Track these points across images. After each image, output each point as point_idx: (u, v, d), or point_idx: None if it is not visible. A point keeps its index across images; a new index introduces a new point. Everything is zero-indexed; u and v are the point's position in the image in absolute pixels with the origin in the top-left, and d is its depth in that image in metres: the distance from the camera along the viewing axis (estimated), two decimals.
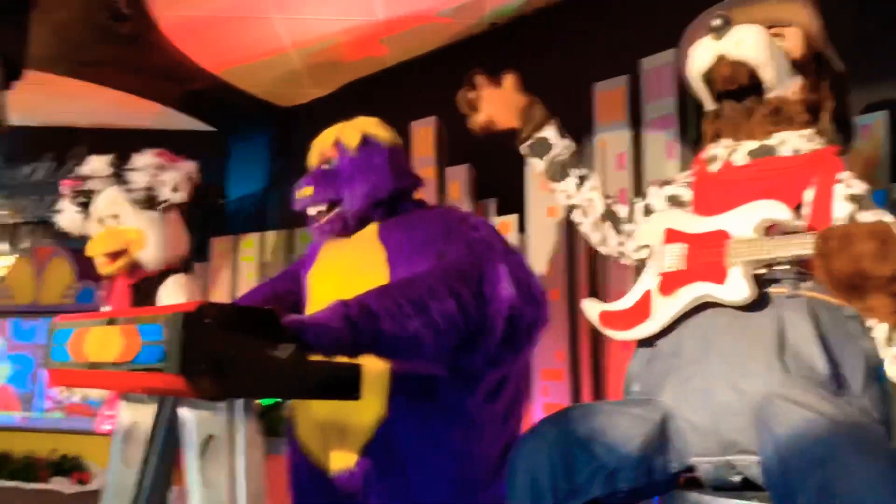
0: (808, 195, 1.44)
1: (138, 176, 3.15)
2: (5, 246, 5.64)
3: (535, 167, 1.88)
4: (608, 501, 1.32)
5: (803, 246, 1.29)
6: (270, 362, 1.30)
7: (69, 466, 4.42)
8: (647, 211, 1.77)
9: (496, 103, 1.89)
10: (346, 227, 1.94)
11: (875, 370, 1.34)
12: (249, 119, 5.08)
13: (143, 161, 3.20)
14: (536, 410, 2.76)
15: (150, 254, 3.10)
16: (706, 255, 1.43)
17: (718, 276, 1.39)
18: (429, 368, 1.70)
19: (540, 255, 2.88)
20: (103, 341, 1.40)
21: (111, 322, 1.40)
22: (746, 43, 1.50)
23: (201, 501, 1.36)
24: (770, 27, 1.56)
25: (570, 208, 1.88)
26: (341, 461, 1.81)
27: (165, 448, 1.55)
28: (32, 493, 4.19)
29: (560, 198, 1.90)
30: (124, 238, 3.11)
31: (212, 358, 1.22)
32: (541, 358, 2.78)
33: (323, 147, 2.00)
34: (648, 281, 1.54)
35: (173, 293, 3.05)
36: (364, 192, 1.91)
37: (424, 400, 1.76)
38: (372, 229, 1.93)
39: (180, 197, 3.21)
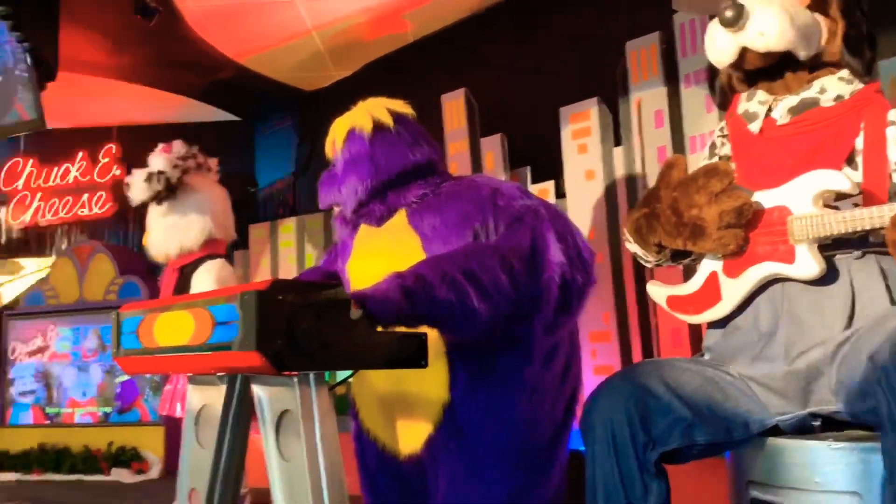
0: (859, 142, 1.40)
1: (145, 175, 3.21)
2: (44, 247, 5.77)
3: None
4: (685, 454, 1.33)
5: (870, 222, 1.25)
6: (342, 334, 1.32)
7: (127, 457, 4.55)
8: None
9: None
10: (355, 222, 1.96)
11: None
12: (274, 105, 5.11)
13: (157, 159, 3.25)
14: (586, 374, 2.77)
15: (151, 245, 3.23)
16: (769, 234, 1.40)
17: (785, 255, 1.37)
18: (484, 339, 1.70)
19: (581, 219, 2.88)
20: (174, 325, 1.43)
21: (179, 306, 1.43)
22: (770, 34, 1.39)
23: (280, 475, 1.38)
24: None
25: None
26: (408, 445, 1.83)
27: (239, 426, 1.57)
28: (95, 484, 4.31)
29: None
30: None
31: (287, 333, 1.24)
32: (587, 321, 2.78)
33: (328, 148, 2.00)
34: (712, 262, 1.51)
35: (203, 279, 3.11)
36: (351, 190, 1.89)
37: (485, 375, 1.76)
38: (401, 217, 1.90)
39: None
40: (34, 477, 4.54)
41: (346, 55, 4.32)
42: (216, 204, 3.32)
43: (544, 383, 1.83)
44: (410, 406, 1.81)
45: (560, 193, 3.13)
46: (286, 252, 4.23)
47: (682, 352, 2.55)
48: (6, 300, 5.48)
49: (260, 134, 5.40)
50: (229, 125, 5.38)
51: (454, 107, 3.37)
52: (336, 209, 2.02)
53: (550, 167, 3.20)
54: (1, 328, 5.30)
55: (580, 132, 2.99)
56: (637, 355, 2.77)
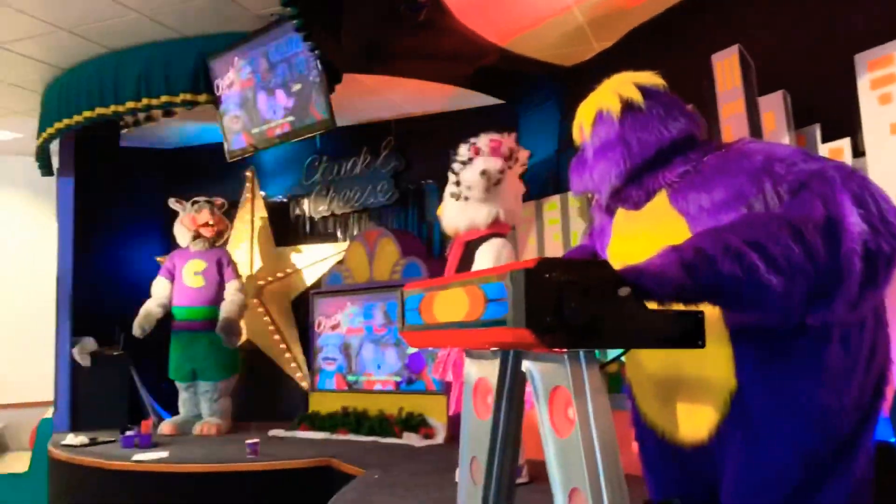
0: None
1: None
2: (339, 233, 6.45)
3: None
4: None
5: None
6: (611, 312, 1.30)
7: (416, 423, 4.94)
8: None
9: None
10: (612, 207, 1.86)
11: None
12: (536, 84, 5.15)
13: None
14: None
15: (444, 218, 3.58)
16: None
17: None
18: (783, 320, 1.54)
19: (887, 179, 2.48)
20: (451, 302, 1.51)
21: (455, 284, 1.50)
22: None
23: (554, 449, 1.40)
24: None
25: None
26: (691, 433, 1.72)
27: (513, 399, 1.62)
28: (390, 446, 4.75)
29: None
30: None
31: (555, 310, 1.25)
32: None
33: (576, 133, 1.91)
34: None
35: (485, 254, 3.37)
36: (603, 176, 1.80)
37: (778, 358, 1.60)
38: (662, 198, 1.76)
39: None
40: (339, 436, 5.12)
41: (608, 25, 4.20)
42: (511, 194, 3.58)
43: (846, 367, 1.62)
44: (692, 391, 1.70)
45: (858, 152, 2.76)
46: (552, 229, 4.27)
47: None
48: (312, 281, 6.25)
49: (524, 114, 5.48)
50: (494, 108, 5.54)
51: (727, 65, 3.12)
52: (591, 196, 1.95)
53: (844, 123, 2.83)
54: (310, 305, 6.06)
55: (882, 80, 2.61)
56: None
